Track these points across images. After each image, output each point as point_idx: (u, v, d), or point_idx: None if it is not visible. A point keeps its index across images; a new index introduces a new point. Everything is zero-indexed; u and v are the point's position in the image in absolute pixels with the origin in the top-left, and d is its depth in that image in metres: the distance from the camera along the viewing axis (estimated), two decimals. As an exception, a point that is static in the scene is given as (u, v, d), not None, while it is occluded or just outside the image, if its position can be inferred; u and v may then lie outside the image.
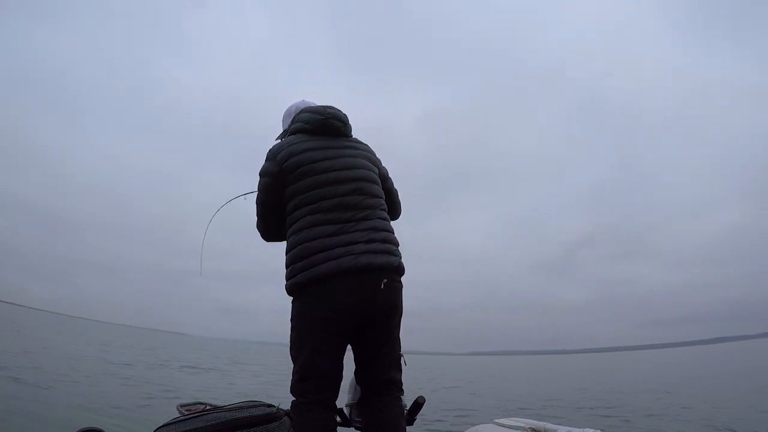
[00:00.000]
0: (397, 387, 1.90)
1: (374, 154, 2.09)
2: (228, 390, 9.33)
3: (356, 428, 2.07)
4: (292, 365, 1.83)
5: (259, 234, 2.07)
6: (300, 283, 1.75)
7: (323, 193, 1.83)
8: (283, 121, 2.19)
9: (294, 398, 1.81)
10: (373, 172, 2.01)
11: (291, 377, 1.83)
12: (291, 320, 1.84)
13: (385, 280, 1.77)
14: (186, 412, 1.97)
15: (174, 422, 1.84)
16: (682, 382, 14.86)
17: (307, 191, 1.84)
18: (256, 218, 2.05)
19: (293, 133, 2.01)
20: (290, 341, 1.84)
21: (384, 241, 1.85)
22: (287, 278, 1.83)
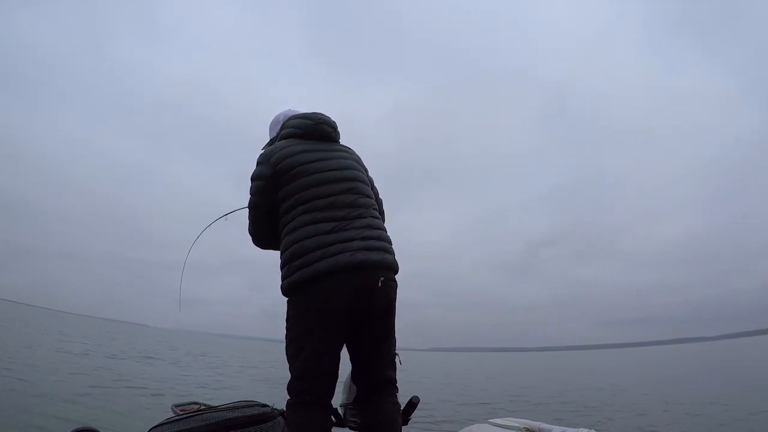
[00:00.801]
0: (394, 386, 1.93)
1: (362, 161, 2.12)
2: (186, 381, 9.21)
3: (351, 428, 2.08)
4: (288, 365, 1.82)
5: (252, 240, 2.06)
6: (297, 281, 1.75)
7: (317, 192, 1.85)
8: (270, 129, 2.20)
9: (289, 398, 1.80)
10: (364, 174, 2.06)
11: (289, 375, 1.81)
12: (287, 320, 1.83)
13: (382, 279, 1.79)
14: (180, 412, 1.94)
15: (168, 422, 1.81)
16: (642, 382, 15.55)
17: (301, 191, 1.85)
18: (248, 223, 2.04)
19: (284, 138, 2.03)
20: (287, 341, 1.83)
21: (379, 238, 1.87)
22: (283, 278, 1.82)
